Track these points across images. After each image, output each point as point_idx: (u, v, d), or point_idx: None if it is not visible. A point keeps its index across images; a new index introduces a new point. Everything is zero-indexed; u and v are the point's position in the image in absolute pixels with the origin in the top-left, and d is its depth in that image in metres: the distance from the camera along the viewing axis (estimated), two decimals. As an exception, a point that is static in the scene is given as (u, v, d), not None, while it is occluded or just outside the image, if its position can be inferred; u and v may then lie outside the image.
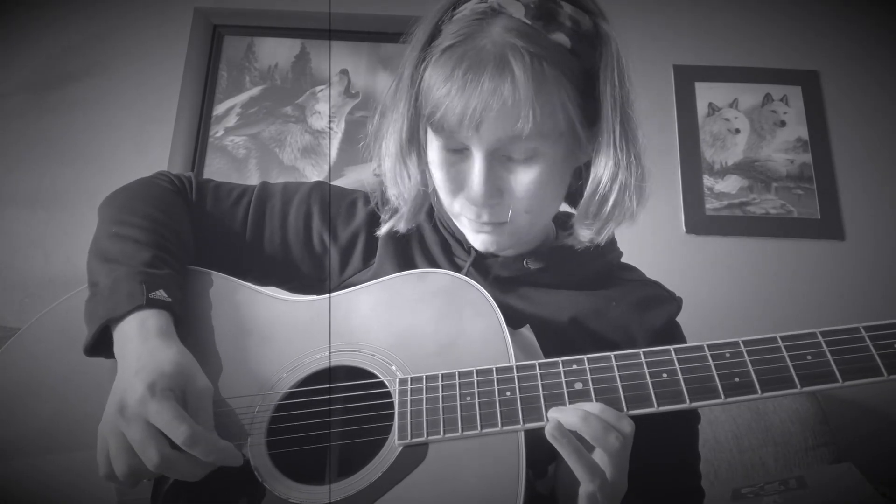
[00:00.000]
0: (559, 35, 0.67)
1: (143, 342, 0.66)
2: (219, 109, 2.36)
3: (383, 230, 0.81)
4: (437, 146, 0.72)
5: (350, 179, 2.27)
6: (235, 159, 2.30)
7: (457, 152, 0.71)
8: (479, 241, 0.77)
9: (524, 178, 0.70)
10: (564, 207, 0.86)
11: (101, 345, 0.70)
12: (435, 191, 0.77)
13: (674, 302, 0.82)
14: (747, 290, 2.03)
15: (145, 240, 0.75)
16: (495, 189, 0.70)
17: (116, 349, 0.69)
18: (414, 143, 0.74)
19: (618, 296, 0.80)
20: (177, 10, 2.33)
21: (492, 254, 0.81)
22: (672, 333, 0.81)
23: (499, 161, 0.70)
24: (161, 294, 0.70)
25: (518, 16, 0.67)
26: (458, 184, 0.73)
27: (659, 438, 0.66)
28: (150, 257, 0.73)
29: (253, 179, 2.27)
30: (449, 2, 0.72)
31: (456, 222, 0.79)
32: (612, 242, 0.87)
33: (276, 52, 2.41)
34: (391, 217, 0.81)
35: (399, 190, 0.77)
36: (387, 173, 0.77)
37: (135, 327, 0.68)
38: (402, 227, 0.80)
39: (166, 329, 0.69)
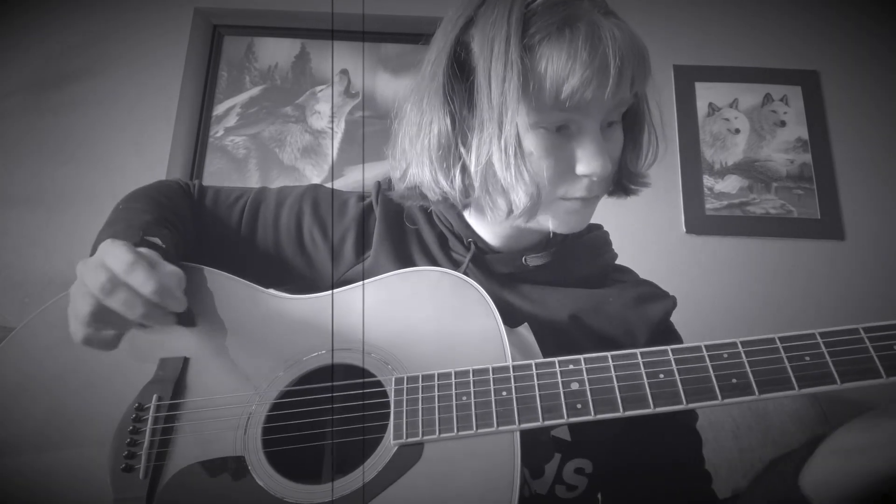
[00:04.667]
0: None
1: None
2: (219, 109, 2.36)
3: (516, 221, 0.75)
4: (539, 136, 0.69)
5: (350, 179, 2.27)
6: (235, 159, 2.30)
7: (560, 133, 0.70)
8: (573, 222, 0.74)
9: (615, 145, 0.74)
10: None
11: None
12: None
13: (669, 298, 0.84)
14: (747, 289, 2.03)
15: (148, 210, 0.80)
16: (609, 157, 0.71)
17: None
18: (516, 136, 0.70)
19: (615, 293, 0.81)
20: (177, 10, 2.33)
21: (493, 249, 0.81)
22: (669, 328, 0.83)
23: (601, 132, 0.71)
24: (156, 241, 0.73)
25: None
26: (567, 164, 0.71)
27: (660, 430, 0.66)
28: (152, 219, 0.78)
29: (253, 180, 2.27)
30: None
31: (545, 213, 0.74)
32: (607, 244, 0.88)
33: (276, 52, 2.41)
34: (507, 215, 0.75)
35: (522, 184, 0.69)
36: (496, 165, 0.70)
37: None
38: (522, 223, 0.75)
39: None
